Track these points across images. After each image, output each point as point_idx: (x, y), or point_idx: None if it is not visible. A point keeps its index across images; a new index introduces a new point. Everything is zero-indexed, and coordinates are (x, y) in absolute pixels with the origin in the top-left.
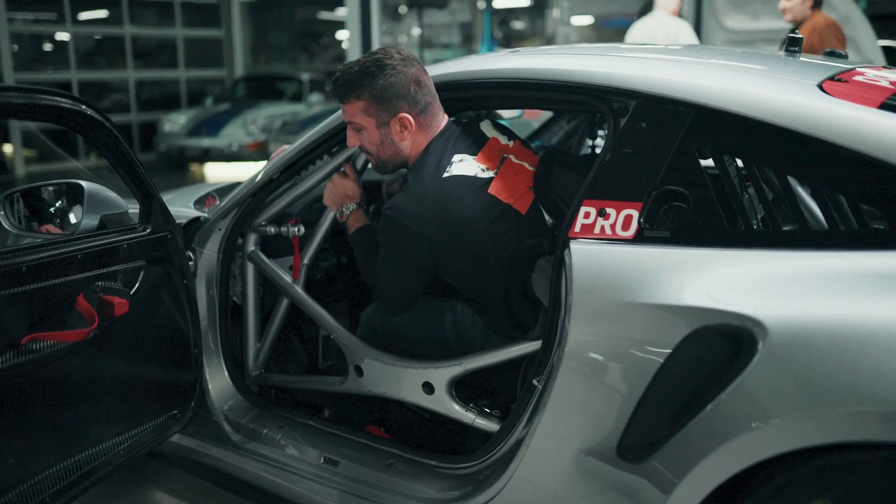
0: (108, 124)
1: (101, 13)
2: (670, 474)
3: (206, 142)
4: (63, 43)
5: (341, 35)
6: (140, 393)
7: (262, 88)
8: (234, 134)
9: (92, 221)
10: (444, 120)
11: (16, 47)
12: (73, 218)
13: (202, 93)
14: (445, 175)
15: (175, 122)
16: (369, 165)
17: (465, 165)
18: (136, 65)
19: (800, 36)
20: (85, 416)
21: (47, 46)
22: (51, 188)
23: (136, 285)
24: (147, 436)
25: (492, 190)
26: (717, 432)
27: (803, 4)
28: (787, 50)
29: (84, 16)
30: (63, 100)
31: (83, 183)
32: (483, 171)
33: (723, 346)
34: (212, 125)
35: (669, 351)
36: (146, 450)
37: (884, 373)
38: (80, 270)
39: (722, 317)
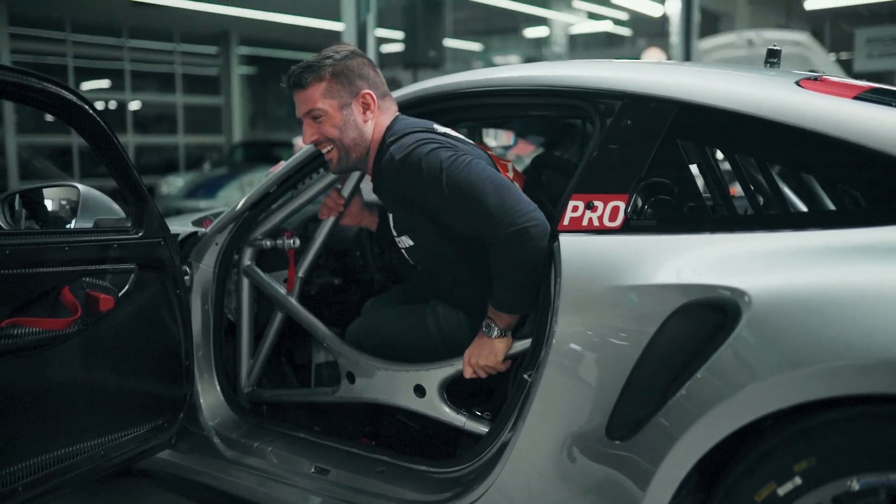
0: (99, 118)
1: (104, 83)
2: (658, 446)
3: (202, 204)
4: None
5: None
6: (125, 397)
7: (259, 154)
8: (231, 196)
9: (86, 224)
10: (396, 112)
11: (16, 117)
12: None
13: (200, 158)
14: (439, 131)
15: (173, 185)
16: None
17: (450, 131)
18: (136, 130)
19: (778, 49)
20: (65, 411)
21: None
22: (49, 190)
23: (126, 287)
24: (131, 442)
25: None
26: (703, 400)
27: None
28: (766, 62)
29: (87, 85)
30: (52, 85)
31: (80, 186)
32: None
33: (708, 318)
34: (209, 188)
35: (656, 328)
36: (129, 455)
37: (858, 330)
38: (66, 263)
39: (707, 291)
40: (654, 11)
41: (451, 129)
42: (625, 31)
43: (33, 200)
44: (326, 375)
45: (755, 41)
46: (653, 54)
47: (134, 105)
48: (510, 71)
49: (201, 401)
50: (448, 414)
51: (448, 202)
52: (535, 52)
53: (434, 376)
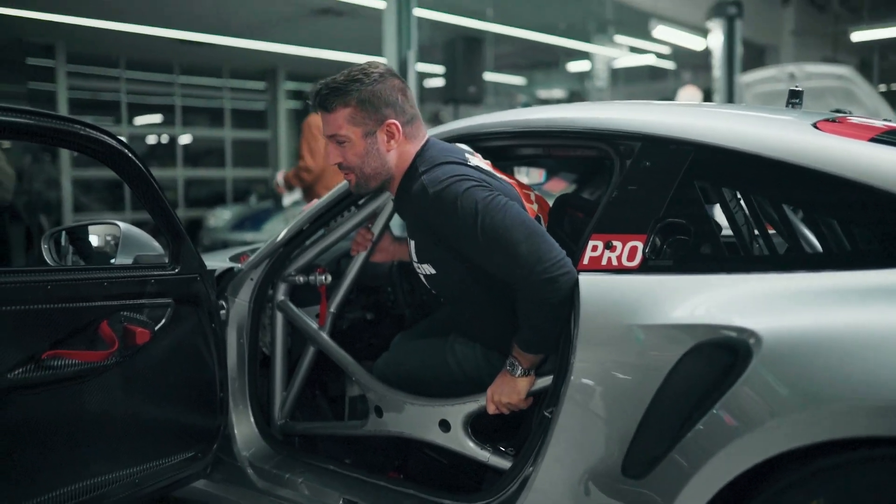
0: (137, 161)
1: (156, 117)
2: (672, 484)
3: (248, 236)
4: None
5: None
6: (160, 428)
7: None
8: (276, 229)
9: (126, 260)
10: (426, 134)
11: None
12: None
13: (247, 191)
14: (471, 163)
15: (220, 217)
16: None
17: (481, 162)
18: (186, 164)
19: (800, 89)
20: (101, 440)
21: None
22: (92, 227)
23: (163, 322)
24: (165, 471)
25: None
26: (714, 439)
27: None
28: (788, 102)
29: (140, 120)
30: (94, 131)
31: (121, 224)
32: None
33: (720, 358)
34: (255, 221)
35: (671, 368)
36: (163, 484)
37: (868, 372)
38: (105, 298)
39: (719, 331)
40: (697, 45)
41: (480, 159)
42: (668, 65)
43: (78, 237)
44: (359, 409)
45: (797, 75)
46: (689, 91)
47: (184, 139)
48: (532, 113)
49: (236, 432)
50: (472, 449)
51: (480, 245)
52: (579, 85)
53: (458, 411)
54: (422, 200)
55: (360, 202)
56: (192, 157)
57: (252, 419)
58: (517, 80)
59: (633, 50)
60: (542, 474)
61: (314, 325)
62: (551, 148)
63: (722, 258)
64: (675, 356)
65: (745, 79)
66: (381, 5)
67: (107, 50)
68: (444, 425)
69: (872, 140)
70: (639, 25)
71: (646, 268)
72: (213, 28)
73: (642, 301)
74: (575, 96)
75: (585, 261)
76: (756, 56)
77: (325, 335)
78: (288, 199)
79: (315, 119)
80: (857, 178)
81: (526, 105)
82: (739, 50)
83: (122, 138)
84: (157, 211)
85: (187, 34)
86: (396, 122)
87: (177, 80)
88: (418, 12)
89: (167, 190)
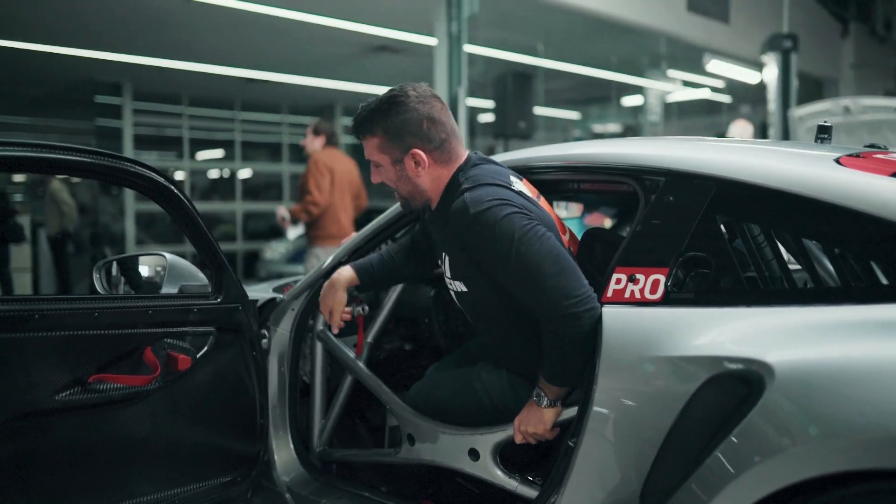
0: (183, 197)
1: (217, 152)
2: None
3: (302, 269)
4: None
5: None
6: (200, 451)
7: (359, 220)
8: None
9: (172, 289)
10: (463, 153)
11: None
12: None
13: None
14: (515, 188)
15: (276, 250)
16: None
17: (525, 187)
18: (245, 198)
19: (829, 124)
20: (143, 462)
21: None
22: (141, 258)
23: (205, 349)
24: (203, 494)
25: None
26: (729, 469)
27: (314, 142)
28: (817, 138)
29: (201, 155)
30: (143, 168)
31: (167, 255)
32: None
33: (735, 389)
34: None
35: (688, 398)
36: None
37: (880, 404)
38: (149, 325)
39: (734, 363)
40: (751, 79)
41: (525, 184)
42: (722, 98)
43: (128, 267)
44: (398, 437)
45: (851, 108)
46: (739, 126)
47: (244, 173)
48: (562, 149)
49: (276, 457)
50: (500, 477)
51: (511, 272)
52: (633, 119)
53: (487, 440)
54: (462, 218)
55: (398, 235)
56: (251, 190)
57: (292, 446)
58: (573, 114)
59: (687, 84)
60: (564, 502)
61: (351, 354)
62: (581, 182)
63: (741, 291)
64: (693, 387)
65: (797, 112)
66: (434, 42)
67: (171, 88)
68: (474, 454)
69: (894, 175)
70: (692, 60)
71: (667, 300)
72: (272, 66)
73: (663, 333)
74: (629, 131)
75: (609, 293)
76: (814, 89)
77: (361, 364)
78: (293, 233)
79: (321, 156)
80: (874, 211)
81: (579, 140)
82: (795, 84)
83: (170, 175)
84: (201, 244)
85: (248, 72)
86: (421, 152)
87: (237, 116)
88: (470, 49)
89: (226, 223)
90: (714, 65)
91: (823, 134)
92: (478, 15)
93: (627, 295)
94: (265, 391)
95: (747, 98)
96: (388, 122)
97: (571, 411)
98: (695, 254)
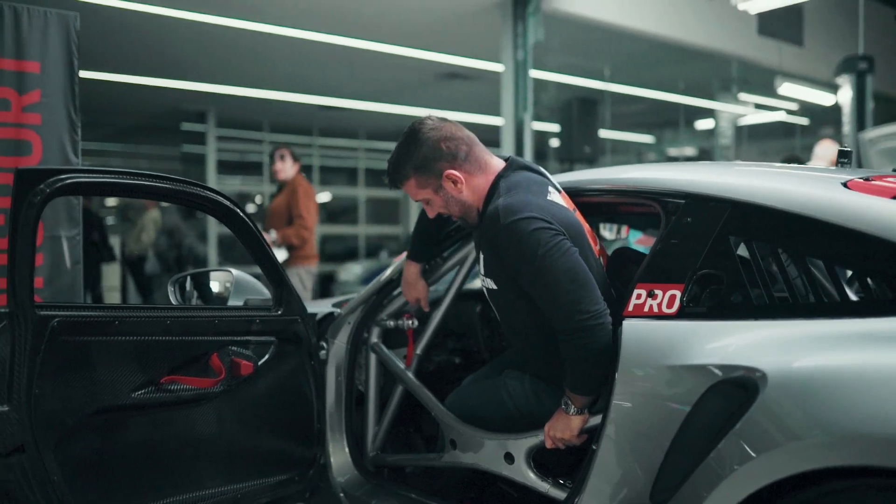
0: (247, 219)
1: None
2: None
3: None
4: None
5: None
6: (260, 451)
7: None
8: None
9: (238, 302)
10: (492, 157)
11: None
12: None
13: (379, 247)
14: (549, 198)
15: (350, 271)
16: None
17: (561, 199)
18: (323, 221)
19: (849, 149)
20: (207, 458)
21: (250, 208)
22: (211, 274)
23: (266, 357)
24: (262, 490)
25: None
26: (725, 466)
27: (288, 168)
28: (837, 162)
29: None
30: (212, 193)
31: (234, 271)
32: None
33: (734, 394)
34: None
35: (694, 403)
36: (261, 500)
37: (860, 407)
38: (216, 334)
39: (734, 370)
40: (826, 101)
41: (561, 194)
42: (797, 120)
43: (200, 282)
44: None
45: None
46: (825, 145)
47: (323, 197)
48: (595, 174)
49: (332, 460)
50: (533, 480)
51: (532, 282)
52: (706, 142)
53: (521, 445)
54: (494, 225)
55: (445, 254)
56: (329, 214)
57: (347, 450)
58: (647, 138)
59: (759, 107)
60: (585, 499)
61: (402, 365)
62: (613, 205)
63: (750, 306)
64: (698, 393)
65: (868, 135)
66: (501, 69)
67: (252, 115)
68: (509, 458)
69: (894, 197)
70: (764, 83)
71: (682, 314)
72: (349, 93)
73: (675, 344)
74: (704, 154)
75: (630, 308)
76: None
77: (410, 374)
78: (281, 258)
79: (303, 181)
80: (874, 232)
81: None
82: (871, 105)
83: (234, 199)
84: (264, 261)
85: (326, 99)
86: (453, 171)
87: (315, 141)
88: (539, 74)
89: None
90: (786, 87)
91: (843, 158)
92: (544, 42)
93: (646, 309)
94: (323, 398)
95: (824, 120)
96: (414, 160)
97: (598, 419)
98: (709, 271)
